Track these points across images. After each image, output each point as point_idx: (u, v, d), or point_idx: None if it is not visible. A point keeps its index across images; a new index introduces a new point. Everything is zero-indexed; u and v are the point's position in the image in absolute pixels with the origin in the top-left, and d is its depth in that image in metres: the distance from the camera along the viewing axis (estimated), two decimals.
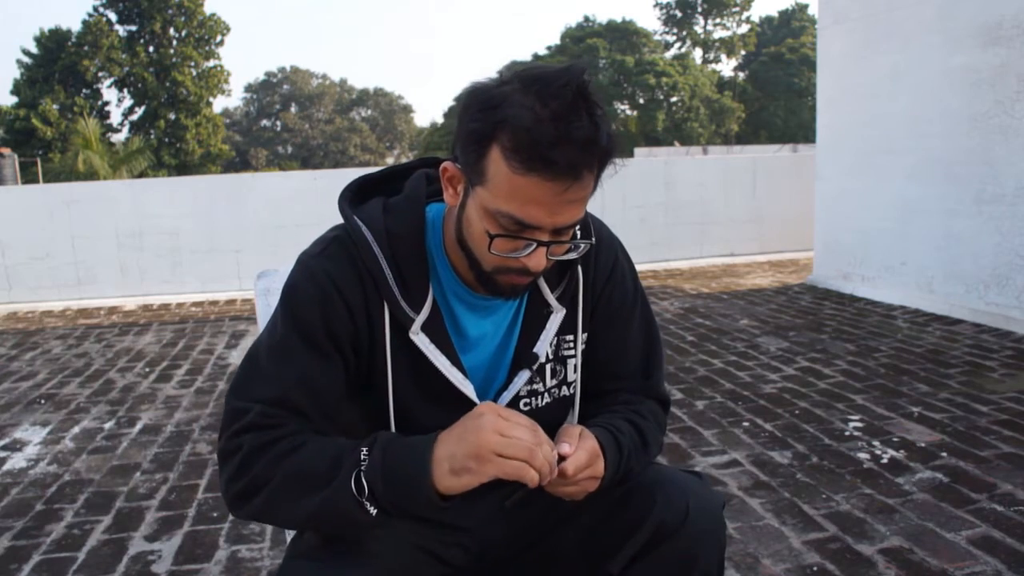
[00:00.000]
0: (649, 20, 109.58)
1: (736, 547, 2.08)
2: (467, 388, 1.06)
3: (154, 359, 4.51)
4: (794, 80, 39.33)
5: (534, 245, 0.95)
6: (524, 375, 1.09)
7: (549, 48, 43.75)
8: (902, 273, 5.20)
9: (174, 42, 36.08)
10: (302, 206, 6.72)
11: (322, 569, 0.96)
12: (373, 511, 0.92)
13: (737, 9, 45.18)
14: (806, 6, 44.87)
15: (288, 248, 6.46)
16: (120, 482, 2.72)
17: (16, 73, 34.58)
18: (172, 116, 35.50)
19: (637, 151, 23.24)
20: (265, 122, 56.25)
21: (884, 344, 4.16)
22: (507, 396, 1.09)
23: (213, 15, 36.44)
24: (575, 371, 1.14)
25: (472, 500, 0.98)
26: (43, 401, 3.75)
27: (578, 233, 1.07)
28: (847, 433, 2.89)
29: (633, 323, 1.18)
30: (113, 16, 35.54)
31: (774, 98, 40.82)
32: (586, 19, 44.17)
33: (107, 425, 3.35)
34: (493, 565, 1.15)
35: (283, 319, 1.03)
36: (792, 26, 44.54)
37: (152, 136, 34.52)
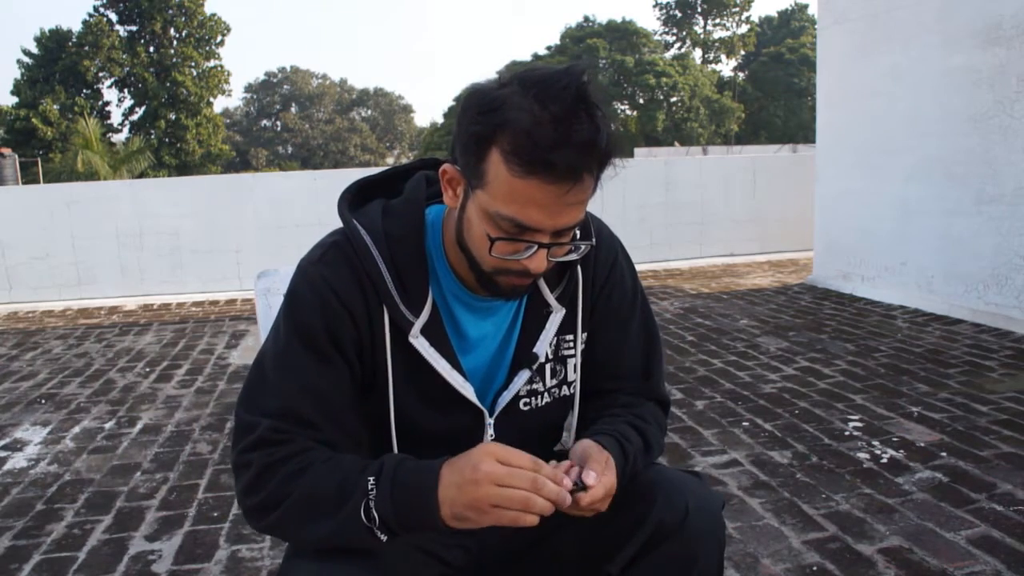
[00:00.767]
0: (649, 20, 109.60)
1: (736, 547, 2.09)
2: (467, 391, 1.06)
3: (154, 359, 4.51)
4: (794, 80, 39.32)
5: (535, 247, 0.95)
6: (524, 375, 1.10)
7: (549, 48, 43.73)
8: (902, 273, 5.20)
9: (174, 42, 36.08)
10: (302, 206, 6.73)
11: (322, 570, 0.96)
12: (384, 537, 0.92)
13: (737, 9, 45.17)
14: (806, 6, 44.92)
15: (288, 248, 6.51)
16: (120, 482, 2.72)
17: (16, 73, 34.65)
18: (172, 116, 35.49)
19: (637, 151, 23.24)
20: (265, 122, 56.26)
21: (884, 344, 4.16)
22: (507, 396, 1.10)
23: (213, 15, 36.44)
24: (575, 371, 1.14)
25: None
26: (43, 401, 3.75)
27: (579, 234, 1.07)
28: (847, 433, 2.89)
29: (633, 323, 1.18)
30: (113, 16, 35.55)
31: (774, 98, 40.82)
32: (586, 19, 44.16)
33: (107, 425, 3.35)
34: (493, 565, 1.15)
35: (286, 328, 1.03)
36: (792, 26, 44.54)
37: (152, 136, 34.51)
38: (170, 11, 35.18)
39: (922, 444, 2.75)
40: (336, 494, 0.93)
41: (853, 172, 5.61)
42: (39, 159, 25.85)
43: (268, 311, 1.33)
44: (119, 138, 33.48)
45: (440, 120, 47.57)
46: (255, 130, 55.48)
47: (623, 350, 1.17)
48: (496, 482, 0.88)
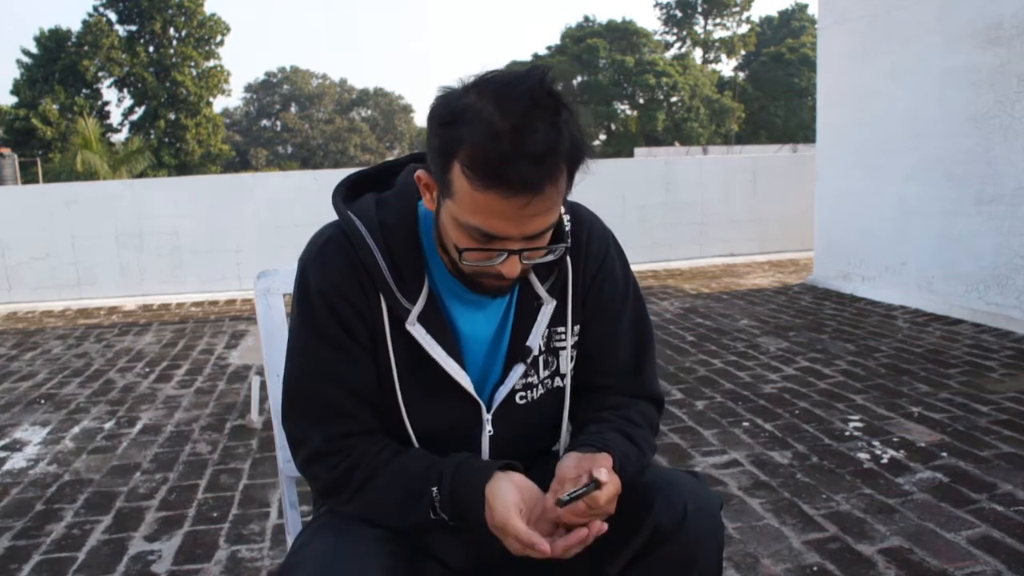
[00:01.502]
0: (649, 20, 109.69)
1: (736, 547, 2.08)
2: (464, 379, 1.07)
3: (154, 359, 4.51)
4: (794, 80, 39.30)
5: (504, 255, 0.96)
6: (519, 369, 1.10)
7: (549, 48, 43.77)
8: (902, 273, 5.20)
9: (174, 42, 36.04)
10: (302, 206, 6.72)
11: (323, 570, 0.96)
12: (452, 523, 1.03)
13: (737, 9, 45.18)
14: (806, 6, 44.94)
15: (288, 248, 6.49)
16: (120, 482, 2.72)
17: (16, 73, 34.59)
18: (172, 116, 35.46)
19: (637, 151, 23.25)
20: (265, 122, 56.23)
21: (884, 344, 4.16)
22: (503, 391, 1.10)
23: (213, 15, 36.40)
24: (568, 362, 1.14)
25: None
26: (43, 401, 3.75)
27: (566, 226, 1.09)
28: (847, 433, 2.89)
29: (624, 317, 1.17)
30: (113, 16, 35.51)
31: (774, 98, 40.80)
32: (586, 19, 44.21)
33: (107, 425, 3.35)
34: (493, 566, 1.15)
35: (301, 330, 1.07)
36: (792, 26, 44.54)
37: (152, 136, 34.49)
38: (170, 11, 35.15)
39: (922, 444, 2.75)
40: (404, 502, 1.03)
41: (853, 172, 5.61)
42: (38, 159, 25.81)
43: (268, 311, 1.33)
44: (119, 138, 33.45)
45: None
46: (255, 130, 55.44)
47: (614, 344, 1.16)
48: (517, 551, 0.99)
